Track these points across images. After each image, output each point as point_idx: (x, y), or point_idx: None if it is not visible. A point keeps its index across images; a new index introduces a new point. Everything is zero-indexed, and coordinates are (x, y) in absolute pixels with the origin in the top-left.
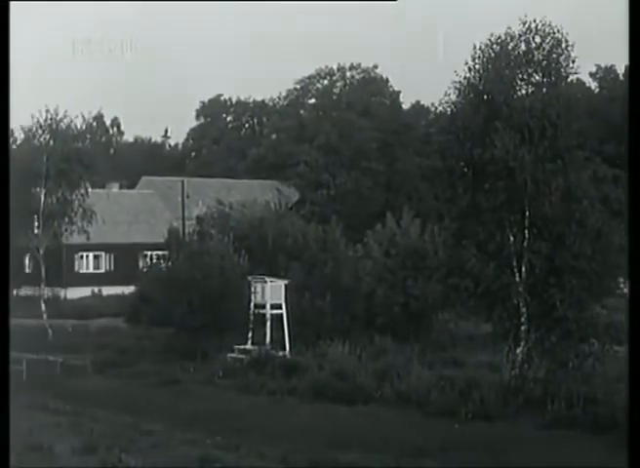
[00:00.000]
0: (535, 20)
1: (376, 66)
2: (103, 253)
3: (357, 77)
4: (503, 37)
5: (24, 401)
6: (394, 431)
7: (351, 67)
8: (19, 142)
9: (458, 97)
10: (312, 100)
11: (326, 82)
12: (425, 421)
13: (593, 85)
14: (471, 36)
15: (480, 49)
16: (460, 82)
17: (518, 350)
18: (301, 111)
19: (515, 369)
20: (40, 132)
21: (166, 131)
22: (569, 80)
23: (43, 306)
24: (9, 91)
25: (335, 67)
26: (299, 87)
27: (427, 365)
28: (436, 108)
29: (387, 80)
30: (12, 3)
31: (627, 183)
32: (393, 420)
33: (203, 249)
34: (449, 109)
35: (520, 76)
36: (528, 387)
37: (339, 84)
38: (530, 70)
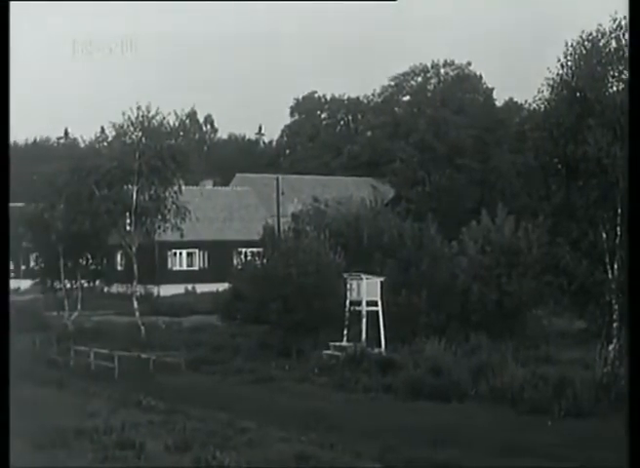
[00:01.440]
0: (625, 17)
1: (469, 63)
2: (197, 251)
3: (451, 74)
4: (594, 34)
5: (117, 398)
6: (489, 428)
7: (445, 64)
8: (109, 139)
9: (551, 93)
10: (407, 98)
11: (420, 79)
12: (519, 419)
13: None
14: (562, 34)
15: (572, 46)
16: (552, 79)
17: (610, 347)
18: (396, 108)
19: (607, 366)
20: (132, 129)
21: (260, 128)
22: None
23: (135, 303)
24: (9, 91)
25: (429, 64)
26: (393, 84)
27: (521, 362)
28: (530, 105)
29: (481, 77)
30: (12, 3)
31: (628, 183)
32: (488, 418)
33: (298, 246)
34: (542, 106)
35: (611, 73)
36: (620, 384)
37: (433, 81)
38: (621, 67)
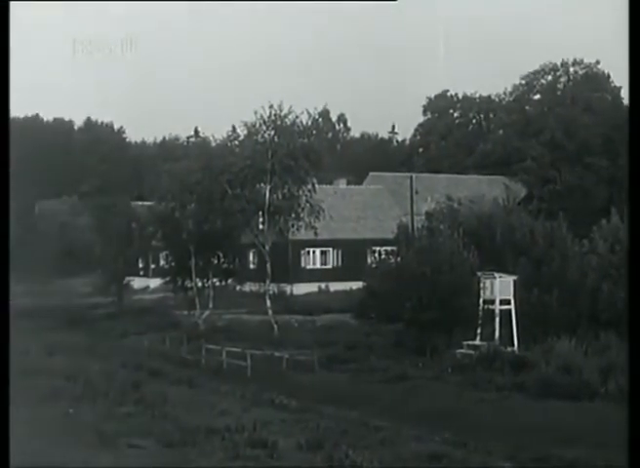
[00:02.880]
0: None
1: (598, 62)
2: (331, 249)
3: (580, 72)
4: None
5: (249, 397)
6: (618, 427)
7: (574, 63)
8: (241, 138)
9: None
10: (537, 96)
11: (550, 77)
12: None
13: None
14: None
15: None
16: None
17: None
18: (527, 107)
19: None
20: (264, 127)
21: (393, 126)
22: None
23: (268, 302)
24: (9, 91)
25: (558, 63)
26: (524, 82)
27: None
28: None
29: (609, 76)
30: (12, 3)
31: (628, 183)
32: (617, 416)
33: (432, 244)
34: None
35: None
36: None
37: (562, 79)
38: None
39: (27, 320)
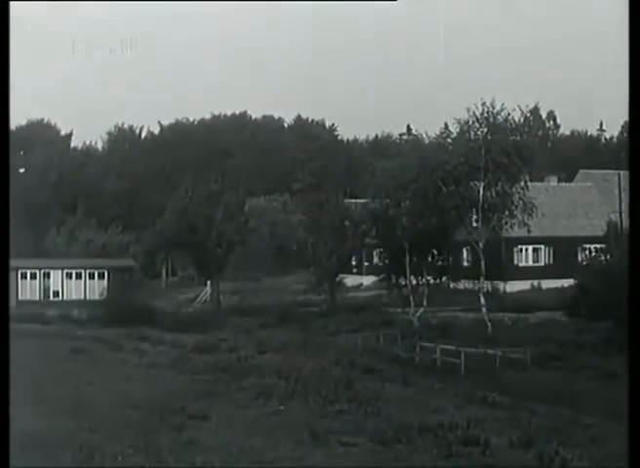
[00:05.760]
0: None
1: None
2: (543, 247)
3: None
4: None
5: (462, 394)
6: None
7: None
8: (454, 136)
9: None
10: None
11: None
12: None
13: None
14: None
15: None
16: None
17: None
18: None
19: None
20: (477, 125)
21: (601, 124)
22: None
23: (482, 300)
24: (9, 91)
25: None
26: None
27: None
28: None
29: None
30: (12, 3)
31: (630, 183)
32: None
33: None
34: None
35: None
36: None
37: None
38: None
39: (239, 318)
